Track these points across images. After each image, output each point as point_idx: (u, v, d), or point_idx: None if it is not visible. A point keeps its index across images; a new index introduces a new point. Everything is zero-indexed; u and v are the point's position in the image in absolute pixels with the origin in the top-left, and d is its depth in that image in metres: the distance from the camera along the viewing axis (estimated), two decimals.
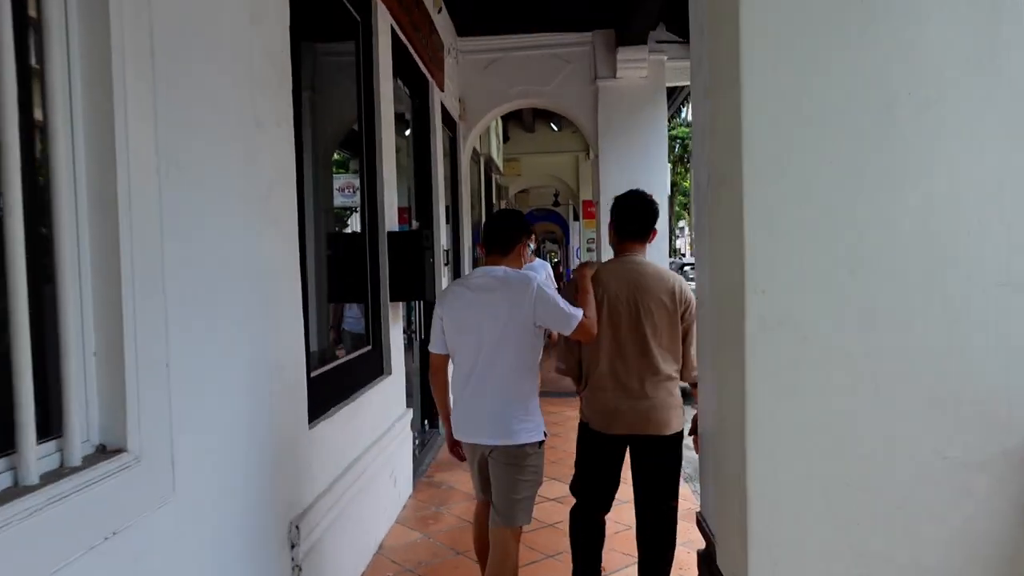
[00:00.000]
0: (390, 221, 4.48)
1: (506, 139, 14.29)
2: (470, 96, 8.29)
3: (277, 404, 2.59)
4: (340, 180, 5.56)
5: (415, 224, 6.41)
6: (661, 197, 8.17)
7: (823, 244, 1.83)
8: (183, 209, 1.97)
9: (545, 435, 2.84)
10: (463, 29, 7.94)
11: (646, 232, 3.11)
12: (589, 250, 15.17)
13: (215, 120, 2.16)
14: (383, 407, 4.25)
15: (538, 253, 37.39)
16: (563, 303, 2.76)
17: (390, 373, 4.40)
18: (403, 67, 5.24)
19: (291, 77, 2.78)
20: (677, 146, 30.73)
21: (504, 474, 2.77)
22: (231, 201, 2.25)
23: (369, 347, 4.20)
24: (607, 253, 7.72)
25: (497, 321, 2.74)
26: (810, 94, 1.80)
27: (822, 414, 1.78)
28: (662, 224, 8.31)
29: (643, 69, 8.03)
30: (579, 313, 2.77)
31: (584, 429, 3.12)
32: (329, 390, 3.39)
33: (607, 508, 3.16)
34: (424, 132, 6.31)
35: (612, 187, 8.29)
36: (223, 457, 2.16)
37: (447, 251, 6.87)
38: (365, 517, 3.72)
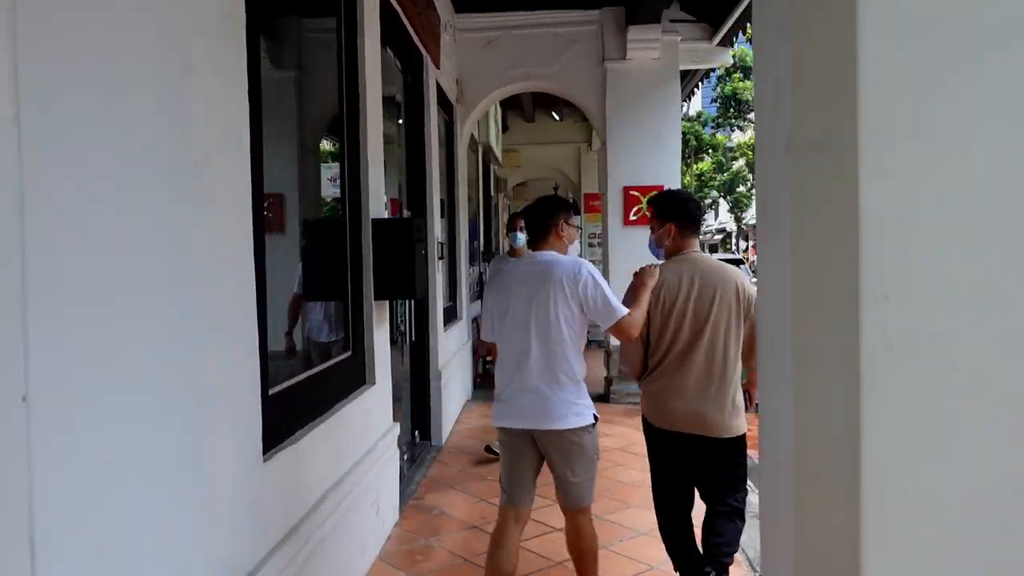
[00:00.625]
0: (375, 207, 3.88)
1: (505, 128, 13.67)
2: (468, 77, 7.68)
3: (214, 438, 2.00)
4: (333, 170, 5.02)
5: (407, 215, 5.81)
6: (674, 185, 7.60)
7: (984, 234, 1.24)
8: (58, 175, 1.37)
9: (596, 417, 2.89)
10: (461, 4, 7.33)
11: (699, 230, 3.25)
12: (591, 245, 14.56)
13: (115, 55, 1.55)
14: (365, 423, 3.66)
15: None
16: (612, 297, 2.81)
17: (374, 383, 3.81)
18: (393, 35, 4.63)
19: (244, 10, 2.18)
20: (691, 139, 30.15)
21: (560, 459, 2.83)
22: (141, 169, 1.64)
23: (348, 353, 3.60)
24: (614, 249, 7.13)
25: (547, 305, 2.78)
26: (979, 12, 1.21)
27: (972, 479, 1.21)
28: None
29: (655, 50, 7.42)
30: (623, 311, 2.80)
31: (644, 421, 3.19)
32: (295, 409, 2.79)
33: (691, 501, 3.18)
34: (417, 113, 5.71)
35: (621, 177, 7.71)
36: (120, 526, 1.56)
37: (442, 244, 6.27)
38: (340, 560, 3.12)
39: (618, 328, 2.82)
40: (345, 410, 3.32)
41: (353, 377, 3.63)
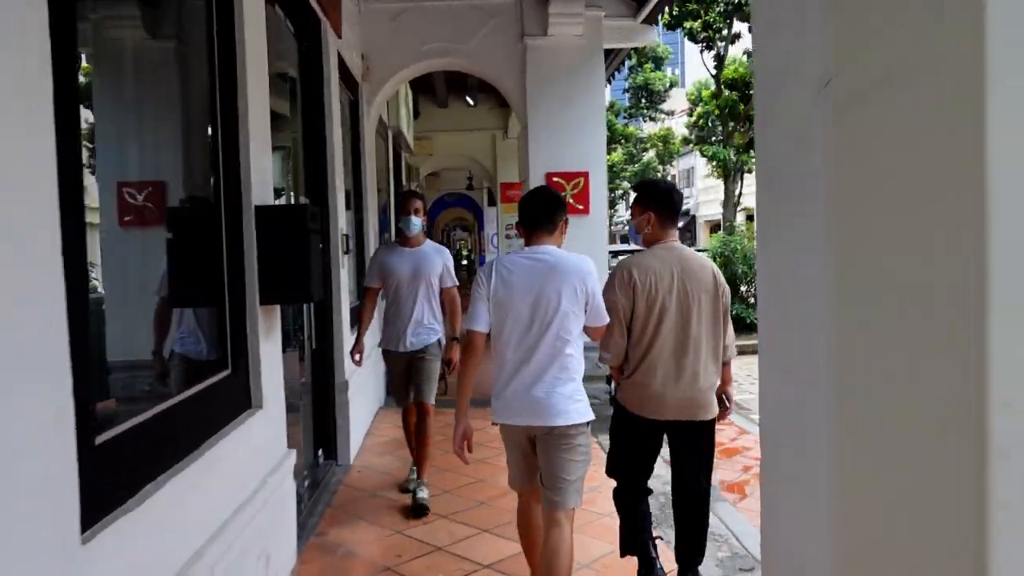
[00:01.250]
0: (260, 191, 3.18)
1: (416, 114, 12.94)
2: (375, 53, 6.97)
3: None
4: None
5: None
6: (599, 174, 7.13)
7: None
8: None
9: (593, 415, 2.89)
10: None
11: (678, 219, 3.24)
12: (508, 236, 14.04)
13: None
14: (250, 457, 2.97)
15: (447, 242, 36.15)
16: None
17: (261, 406, 3.12)
18: None
19: None
20: (631, 95, 29.81)
21: (557, 456, 2.79)
22: None
23: (227, 372, 2.90)
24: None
25: (553, 300, 2.75)
26: None
27: None
28: (600, 207, 7.28)
29: (578, 26, 6.91)
30: (608, 318, 2.94)
31: (622, 412, 3.20)
32: (142, 457, 2.09)
33: (648, 487, 3.31)
34: (315, 86, 4.98)
35: (543, 163, 7.18)
36: None
37: (347, 236, 5.56)
38: None
39: (600, 329, 2.95)
40: (222, 445, 2.63)
41: (233, 401, 2.93)
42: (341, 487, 4.78)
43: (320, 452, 4.95)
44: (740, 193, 34.65)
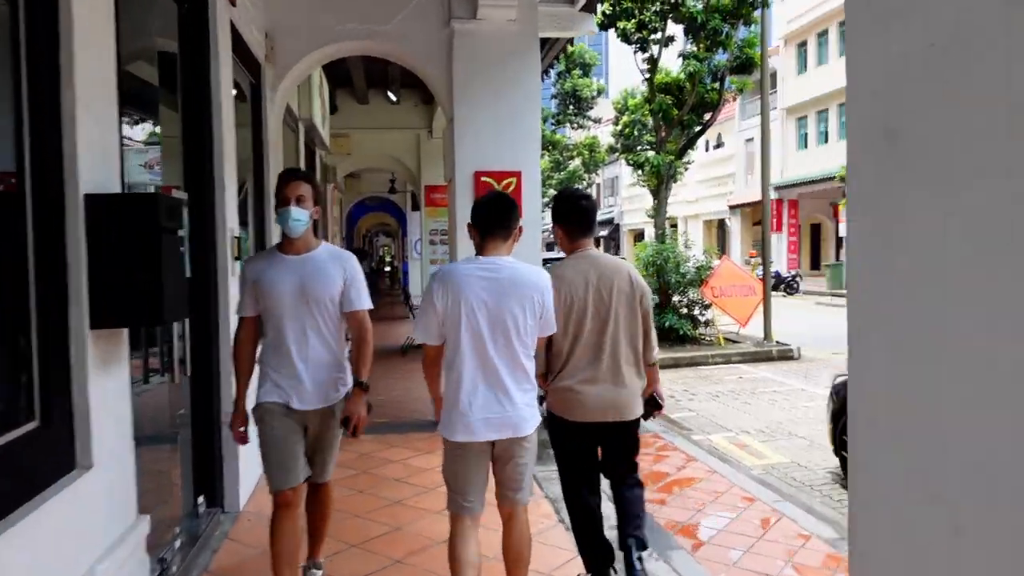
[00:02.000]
0: (95, 173, 2.37)
1: (334, 109, 12.06)
2: (282, 32, 6.13)
3: None
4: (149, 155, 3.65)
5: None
6: (533, 175, 6.47)
7: None
8: None
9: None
10: None
11: (593, 227, 3.32)
12: (432, 243, 13.27)
13: None
14: (73, 539, 2.15)
15: (365, 249, 34.91)
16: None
17: (90, 465, 2.30)
18: None
19: None
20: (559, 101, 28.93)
21: (518, 461, 2.83)
22: None
23: (35, 424, 2.08)
24: (465, 246, 5.89)
25: (514, 316, 2.72)
26: None
27: None
28: (534, 211, 6.62)
29: (511, 10, 6.23)
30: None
31: (552, 417, 3.26)
32: None
33: (598, 487, 3.37)
34: (198, 58, 4.14)
35: (471, 161, 6.46)
36: None
37: (240, 239, 4.72)
38: None
39: (544, 340, 2.94)
40: (22, 528, 1.82)
41: (43, 464, 2.11)
42: (226, 542, 3.94)
43: (201, 499, 4.08)
44: (665, 202, 34.97)
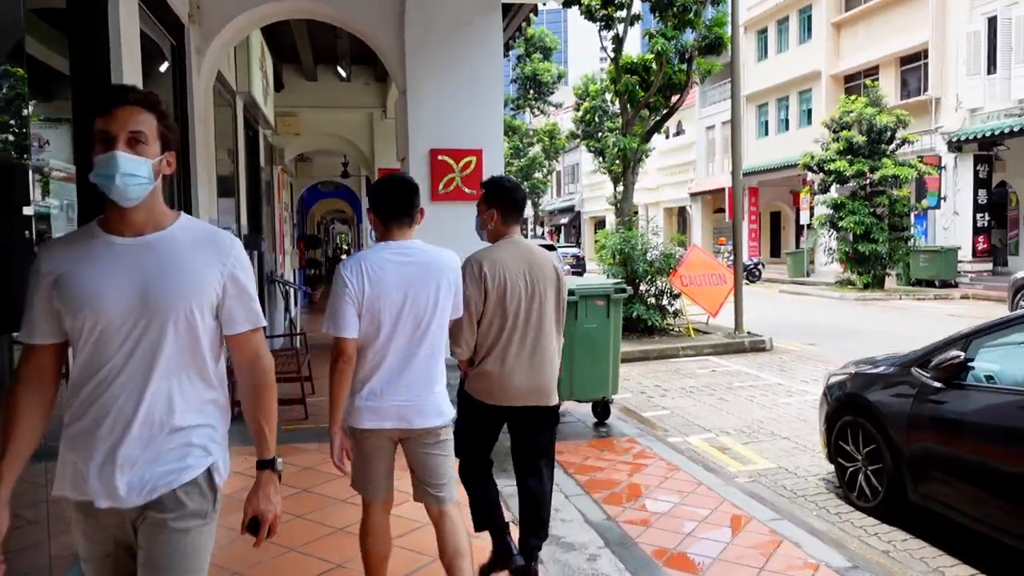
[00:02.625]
0: None
1: (280, 87, 11.22)
2: None
3: None
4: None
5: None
6: (495, 153, 5.85)
7: None
8: None
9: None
10: None
11: (520, 216, 3.35)
12: None
13: None
14: None
15: (319, 237, 33.95)
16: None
17: None
18: None
19: None
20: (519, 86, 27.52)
21: (435, 456, 2.78)
22: None
23: None
24: (418, 231, 5.28)
25: (432, 300, 2.71)
26: None
27: None
28: None
29: None
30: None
31: (469, 401, 3.29)
32: None
33: (489, 458, 3.42)
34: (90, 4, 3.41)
35: (426, 138, 5.79)
36: None
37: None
38: None
39: (451, 323, 2.91)
40: None
41: None
42: None
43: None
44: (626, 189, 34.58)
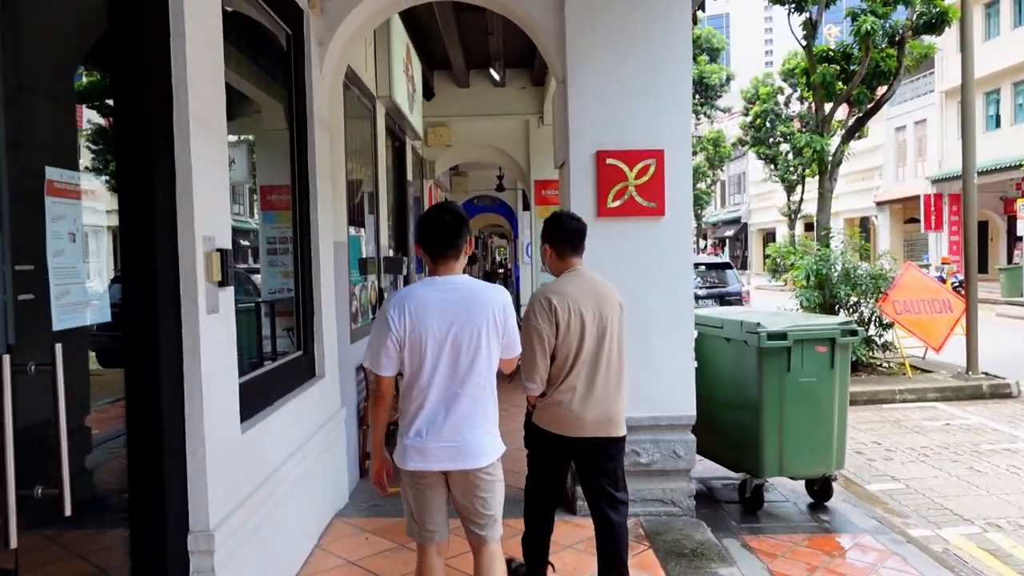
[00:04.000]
0: None
1: (430, 95, 10.49)
2: None
3: None
4: None
5: None
6: (681, 154, 4.56)
7: None
8: None
9: None
10: None
11: (583, 247, 3.39)
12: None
13: None
14: None
15: (484, 251, 33.74)
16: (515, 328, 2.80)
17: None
18: None
19: None
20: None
21: (481, 495, 2.70)
22: None
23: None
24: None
25: (474, 337, 2.64)
26: None
27: None
28: (682, 205, 4.63)
29: None
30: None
31: (537, 432, 3.29)
32: None
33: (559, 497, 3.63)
34: None
35: (591, 136, 4.53)
36: None
37: (230, 253, 3.07)
38: None
39: (510, 361, 2.85)
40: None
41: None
42: None
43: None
44: (802, 199, 31.63)
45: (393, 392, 2.76)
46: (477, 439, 2.63)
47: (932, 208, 27.17)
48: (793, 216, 31.94)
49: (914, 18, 11.04)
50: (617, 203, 4.46)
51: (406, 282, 8.22)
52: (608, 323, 3.19)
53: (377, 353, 2.64)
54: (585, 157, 4.49)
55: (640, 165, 4.44)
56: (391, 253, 7.64)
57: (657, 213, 4.46)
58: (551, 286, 3.23)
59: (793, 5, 11.46)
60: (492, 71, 9.18)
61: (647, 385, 4.38)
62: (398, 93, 7.07)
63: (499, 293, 2.71)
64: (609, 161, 4.44)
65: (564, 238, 3.32)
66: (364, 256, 6.29)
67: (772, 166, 31.65)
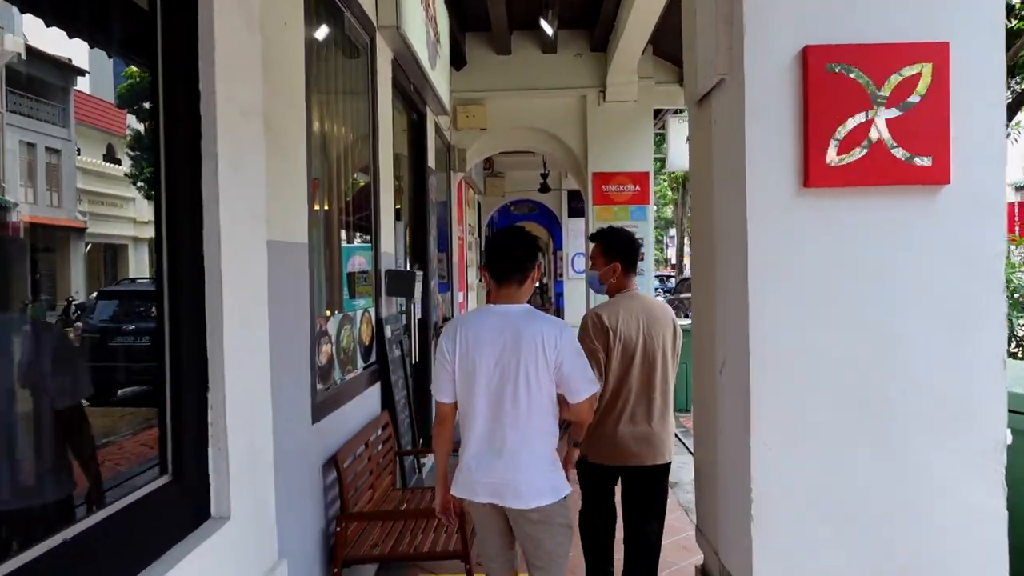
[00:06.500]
0: None
1: (461, 63, 8.23)
2: None
3: None
4: None
5: None
6: (984, 42, 2.10)
7: None
8: None
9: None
10: None
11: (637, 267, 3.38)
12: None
13: None
14: None
15: None
16: (587, 364, 2.65)
17: None
18: None
19: None
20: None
21: (537, 538, 2.59)
22: None
23: None
24: (758, 255, 1.83)
25: (527, 369, 2.53)
26: None
27: None
28: (989, 158, 2.33)
29: None
30: (597, 384, 2.69)
31: (583, 466, 3.25)
32: None
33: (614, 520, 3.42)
34: None
35: (796, 15, 2.30)
36: None
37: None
38: None
39: (589, 403, 2.65)
40: None
41: None
42: None
43: None
44: None
45: (454, 419, 2.66)
46: (527, 479, 2.53)
47: None
48: None
49: None
50: (847, 158, 2.08)
51: (423, 307, 5.93)
52: (659, 346, 3.14)
53: (436, 379, 2.67)
54: (776, 62, 2.11)
55: (897, 77, 2.07)
56: (403, 266, 5.36)
57: (934, 179, 2.09)
58: (604, 307, 3.22)
59: None
60: (543, 23, 6.88)
61: (901, 545, 2.02)
62: (411, 28, 4.78)
63: (551, 325, 2.57)
64: (832, 67, 2.07)
65: (634, 255, 3.31)
66: (353, 271, 4.01)
67: None
